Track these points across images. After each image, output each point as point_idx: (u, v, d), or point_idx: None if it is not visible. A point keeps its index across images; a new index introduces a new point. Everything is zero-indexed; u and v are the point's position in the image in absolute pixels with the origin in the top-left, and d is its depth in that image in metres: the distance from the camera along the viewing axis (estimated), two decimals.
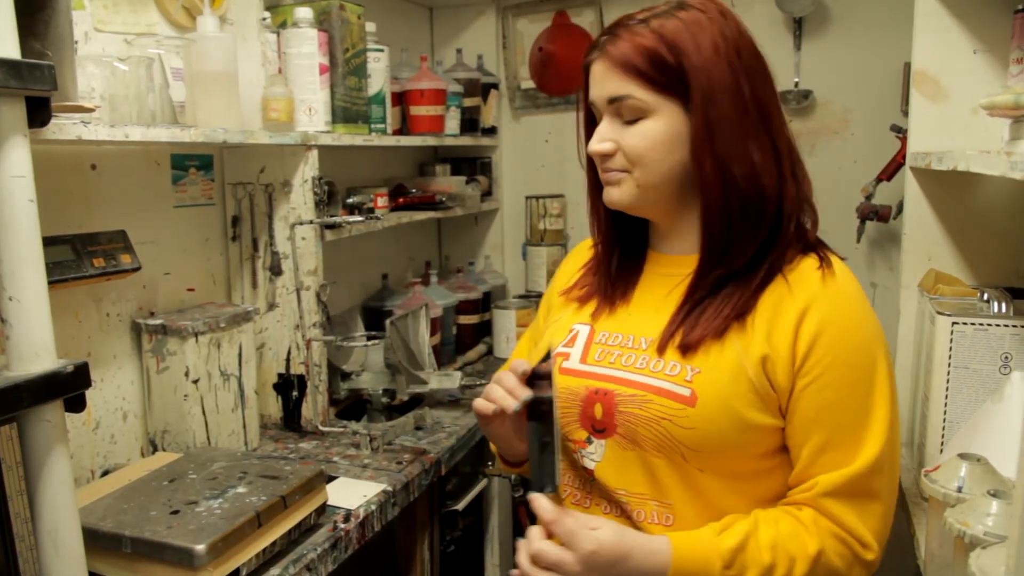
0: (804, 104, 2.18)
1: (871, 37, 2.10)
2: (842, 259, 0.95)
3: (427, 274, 2.29)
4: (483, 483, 1.85)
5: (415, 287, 2.13)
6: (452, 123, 2.20)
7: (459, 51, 2.43)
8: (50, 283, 0.88)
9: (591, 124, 0.97)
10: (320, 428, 1.65)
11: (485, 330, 2.38)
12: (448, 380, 1.77)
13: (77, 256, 1.26)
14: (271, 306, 1.67)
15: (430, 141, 2.15)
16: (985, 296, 1.28)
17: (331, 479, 1.39)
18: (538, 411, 0.94)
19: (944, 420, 1.24)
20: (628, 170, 0.93)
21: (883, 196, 2.04)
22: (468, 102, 2.30)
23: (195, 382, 1.43)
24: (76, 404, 0.89)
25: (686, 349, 0.91)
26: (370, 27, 1.82)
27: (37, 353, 0.85)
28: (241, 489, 1.14)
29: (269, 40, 1.60)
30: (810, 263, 0.92)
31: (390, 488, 1.38)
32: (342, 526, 1.24)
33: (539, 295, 2.45)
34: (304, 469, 1.22)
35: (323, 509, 1.24)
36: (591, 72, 0.94)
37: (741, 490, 0.91)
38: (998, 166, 0.92)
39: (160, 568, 1.01)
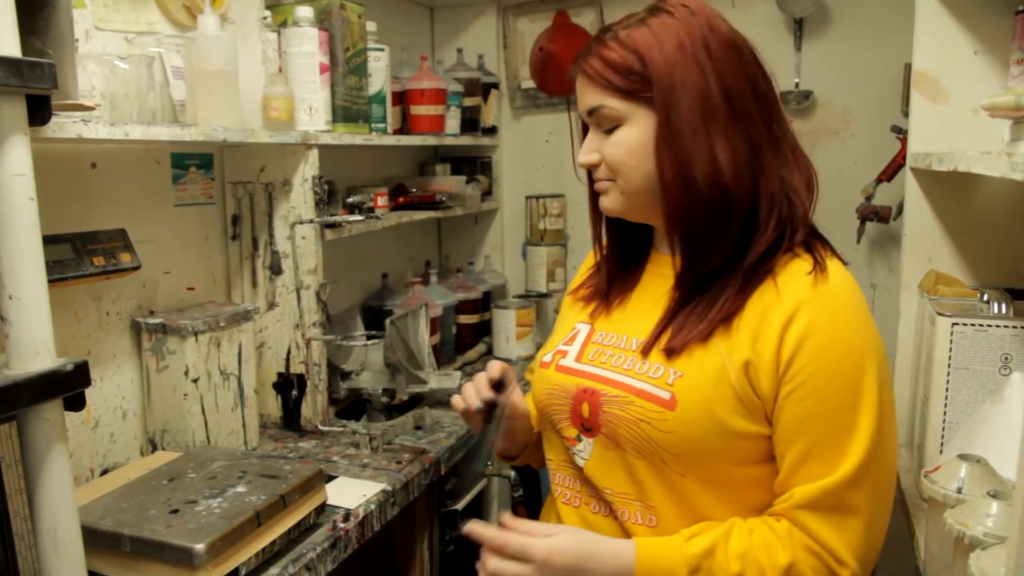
0: (804, 104, 2.18)
1: (872, 38, 2.10)
2: (844, 262, 0.92)
3: (427, 274, 2.29)
4: (483, 483, 1.85)
5: (415, 287, 2.13)
6: (452, 123, 2.20)
7: (459, 51, 2.43)
8: (50, 281, 0.88)
9: (586, 135, 1.00)
10: (320, 427, 1.65)
11: (485, 330, 2.38)
12: (448, 380, 1.77)
13: (77, 255, 1.26)
14: (271, 305, 1.67)
15: (430, 141, 2.15)
16: (985, 297, 1.28)
17: (330, 478, 1.39)
18: (492, 414, 1.01)
19: (944, 421, 1.24)
20: (612, 179, 0.95)
21: (883, 197, 2.04)
22: (468, 102, 2.30)
23: (195, 381, 1.43)
24: (76, 403, 0.89)
25: (670, 352, 0.90)
26: (371, 26, 1.82)
27: (37, 352, 0.85)
28: (240, 488, 1.14)
29: (270, 39, 1.60)
30: (802, 266, 0.89)
31: (389, 488, 1.38)
32: (341, 525, 1.24)
33: (539, 295, 2.45)
34: (303, 468, 1.22)
35: (322, 508, 1.23)
36: (576, 87, 0.96)
37: (728, 498, 0.90)
38: (999, 167, 0.92)
39: (159, 567, 1.01)
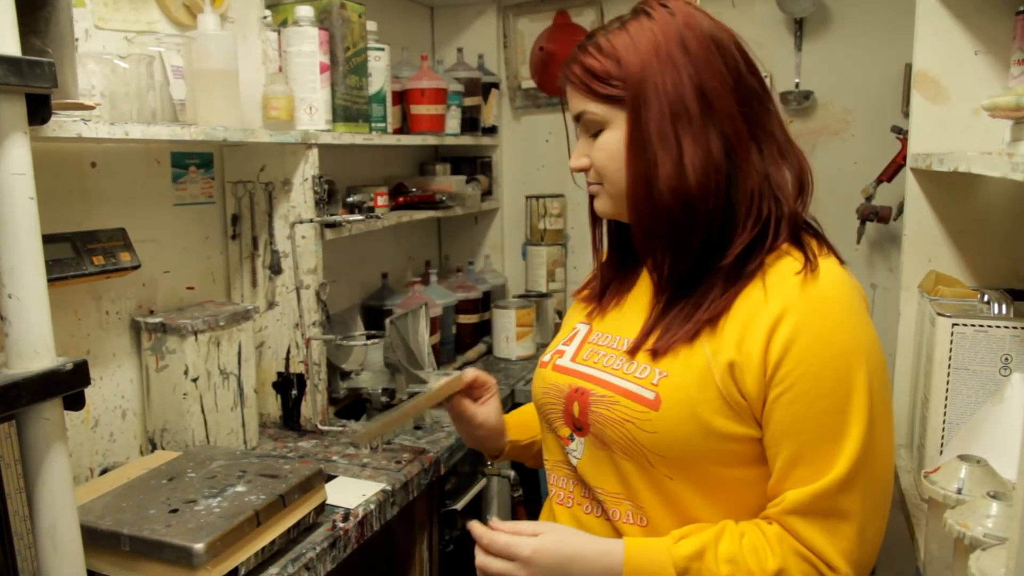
0: (805, 105, 2.18)
1: (872, 38, 2.10)
2: (841, 260, 0.90)
3: (427, 273, 2.29)
4: (482, 483, 1.85)
5: (415, 286, 2.13)
6: (452, 122, 2.20)
7: (460, 50, 2.43)
8: (50, 281, 0.87)
9: None
10: (319, 427, 1.65)
11: (485, 330, 2.38)
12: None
13: (77, 254, 1.25)
14: (271, 305, 1.67)
15: (430, 140, 2.14)
16: (985, 298, 1.28)
17: (330, 478, 1.39)
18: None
19: (944, 421, 1.24)
20: (600, 182, 0.96)
21: (883, 197, 2.04)
22: (468, 101, 2.30)
23: (194, 380, 1.43)
24: (75, 402, 0.89)
25: (656, 353, 0.90)
26: (371, 26, 1.82)
27: (36, 351, 0.85)
28: (240, 488, 1.14)
29: (270, 38, 1.60)
30: (792, 265, 0.87)
31: (389, 487, 1.38)
32: (341, 525, 1.23)
33: (539, 295, 2.46)
34: (303, 468, 1.22)
35: (322, 508, 1.23)
36: (567, 93, 0.97)
37: (719, 500, 0.89)
38: (999, 167, 0.92)
39: (159, 566, 1.01)
